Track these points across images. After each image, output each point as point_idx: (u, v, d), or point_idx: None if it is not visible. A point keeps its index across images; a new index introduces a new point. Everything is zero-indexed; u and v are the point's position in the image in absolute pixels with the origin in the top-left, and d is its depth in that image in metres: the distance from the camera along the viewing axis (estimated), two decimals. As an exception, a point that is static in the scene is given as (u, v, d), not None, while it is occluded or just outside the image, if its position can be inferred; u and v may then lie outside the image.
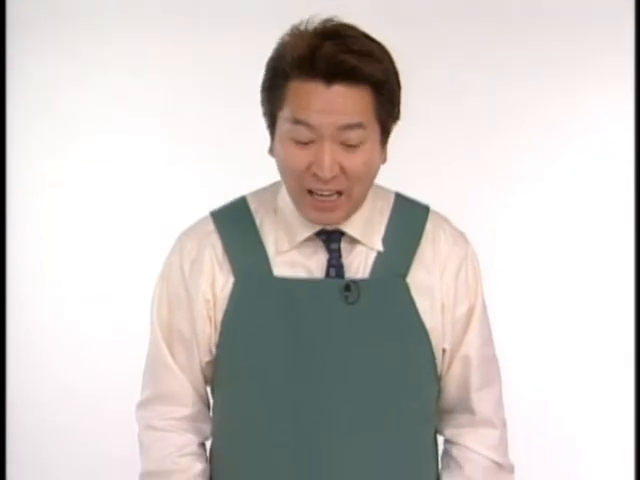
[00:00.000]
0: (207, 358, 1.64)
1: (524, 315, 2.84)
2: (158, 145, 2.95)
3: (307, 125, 1.46)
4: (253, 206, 1.65)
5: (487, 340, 1.70)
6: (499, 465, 1.68)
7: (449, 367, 1.67)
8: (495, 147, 2.85)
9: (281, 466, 1.59)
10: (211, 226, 1.64)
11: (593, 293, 2.91)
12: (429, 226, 1.65)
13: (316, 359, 1.57)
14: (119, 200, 2.96)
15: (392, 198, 1.67)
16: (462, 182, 2.78)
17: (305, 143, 1.48)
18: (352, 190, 1.53)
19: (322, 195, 1.53)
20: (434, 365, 1.65)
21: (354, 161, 1.49)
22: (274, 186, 1.64)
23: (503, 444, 1.70)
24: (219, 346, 1.62)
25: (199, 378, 1.66)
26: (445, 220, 1.70)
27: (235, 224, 1.64)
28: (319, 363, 1.57)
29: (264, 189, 1.68)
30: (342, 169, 1.49)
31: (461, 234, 1.70)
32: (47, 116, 2.96)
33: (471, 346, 1.66)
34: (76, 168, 2.96)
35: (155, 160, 2.95)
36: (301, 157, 1.49)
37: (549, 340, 2.89)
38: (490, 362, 1.71)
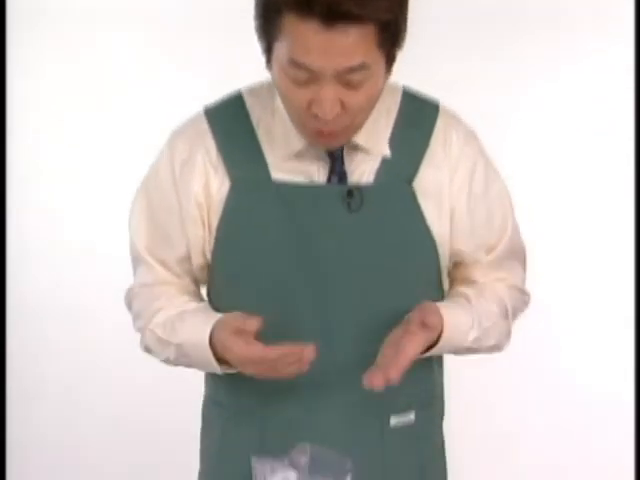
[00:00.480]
0: (200, 261, 1.59)
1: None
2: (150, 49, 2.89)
3: (306, 69, 1.37)
4: (250, 104, 1.56)
5: (518, 237, 1.67)
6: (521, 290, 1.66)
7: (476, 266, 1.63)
8: (507, 47, 2.77)
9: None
10: (204, 125, 1.56)
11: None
12: (439, 125, 1.57)
13: (316, 268, 1.52)
14: (114, 104, 2.90)
15: (399, 96, 1.58)
16: (472, 87, 2.72)
17: (304, 82, 1.39)
18: (355, 120, 1.46)
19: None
20: (439, 273, 1.60)
21: (357, 98, 1.41)
22: (272, 84, 1.51)
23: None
24: (214, 252, 1.56)
25: (187, 282, 1.62)
26: (456, 118, 1.61)
27: (230, 124, 1.55)
28: (319, 272, 1.52)
29: (261, 85, 1.57)
30: (343, 105, 1.41)
31: (472, 133, 1.61)
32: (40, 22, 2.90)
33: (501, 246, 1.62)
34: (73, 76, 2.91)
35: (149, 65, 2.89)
36: (301, 95, 1.41)
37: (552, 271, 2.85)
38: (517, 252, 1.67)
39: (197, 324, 1.53)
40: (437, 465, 1.69)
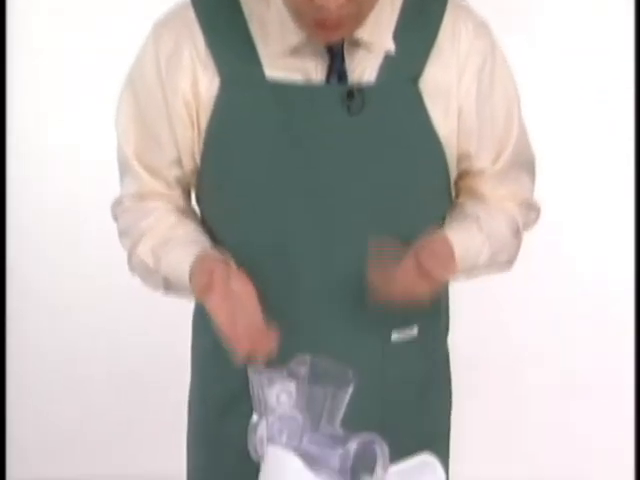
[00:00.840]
0: (191, 165, 1.50)
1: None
2: None
3: None
4: None
5: (526, 144, 1.57)
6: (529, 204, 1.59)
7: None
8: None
9: (271, 281, 1.47)
10: (191, 14, 1.44)
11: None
12: (448, 17, 1.46)
13: (313, 175, 1.44)
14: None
15: None
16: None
17: None
18: (360, 10, 1.35)
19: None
20: (448, 180, 1.52)
21: None
22: None
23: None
24: (204, 156, 1.47)
25: (178, 194, 1.54)
26: (466, 8, 1.50)
27: (220, 14, 1.44)
28: (316, 180, 1.44)
29: None
30: None
31: (483, 24, 1.50)
32: None
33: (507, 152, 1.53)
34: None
35: None
36: None
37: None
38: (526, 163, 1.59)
39: (179, 257, 1.46)
40: (440, 380, 1.63)
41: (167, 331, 2.42)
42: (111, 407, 2.92)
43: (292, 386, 1.20)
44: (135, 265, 1.53)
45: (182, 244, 1.48)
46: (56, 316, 2.92)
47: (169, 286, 1.50)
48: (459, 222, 1.52)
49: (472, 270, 1.52)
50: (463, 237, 1.47)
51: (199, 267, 1.41)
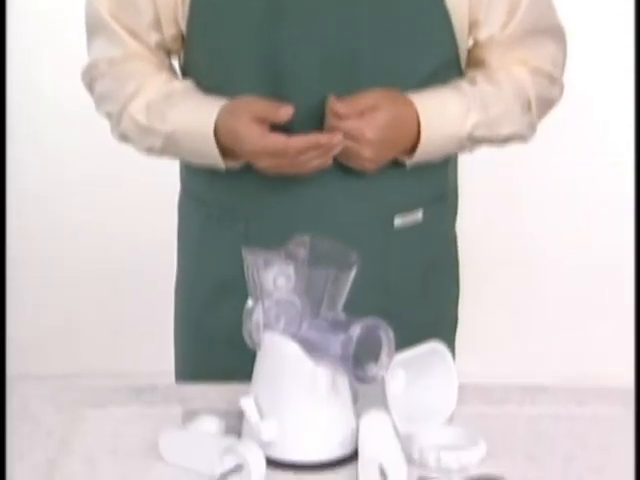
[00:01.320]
0: (172, 31, 1.40)
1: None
2: None
3: None
4: None
5: (547, 10, 1.44)
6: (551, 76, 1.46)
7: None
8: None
9: None
10: None
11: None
12: None
13: (313, 38, 1.34)
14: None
15: None
16: None
17: None
18: None
19: None
20: (454, 53, 1.40)
21: None
22: None
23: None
24: (190, 21, 1.37)
25: (162, 56, 1.45)
26: None
27: None
28: (316, 44, 1.34)
29: None
30: None
31: None
32: None
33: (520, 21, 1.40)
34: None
35: None
36: None
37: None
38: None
39: (194, 110, 1.36)
40: (447, 266, 1.55)
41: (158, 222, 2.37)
42: (108, 304, 2.93)
43: (290, 269, 1.11)
44: (125, 127, 1.42)
45: (189, 96, 1.39)
46: (50, 213, 2.91)
47: (168, 146, 1.40)
48: (435, 89, 1.40)
49: (461, 137, 1.39)
50: (433, 98, 1.37)
51: (235, 120, 1.32)
